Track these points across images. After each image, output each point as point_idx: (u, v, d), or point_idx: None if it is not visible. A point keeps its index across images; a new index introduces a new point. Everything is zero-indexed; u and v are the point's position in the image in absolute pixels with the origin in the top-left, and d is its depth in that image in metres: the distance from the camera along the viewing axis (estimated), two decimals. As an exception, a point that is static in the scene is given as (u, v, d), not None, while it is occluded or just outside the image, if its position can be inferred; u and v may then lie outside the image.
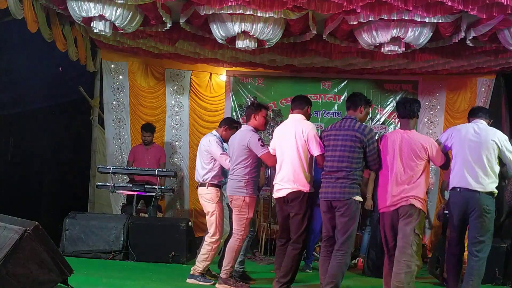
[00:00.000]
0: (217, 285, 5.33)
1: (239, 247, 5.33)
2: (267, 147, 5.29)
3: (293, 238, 5.00)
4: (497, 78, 8.89)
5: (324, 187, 4.84)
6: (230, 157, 5.50)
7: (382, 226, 4.85)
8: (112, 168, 7.51)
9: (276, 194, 5.12)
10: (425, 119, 9.04)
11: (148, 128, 8.24)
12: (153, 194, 7.38)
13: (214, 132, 5.89)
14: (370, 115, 9.09)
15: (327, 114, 9.13)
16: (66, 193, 8.25)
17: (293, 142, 4.96)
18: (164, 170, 7.71)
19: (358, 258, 7.20)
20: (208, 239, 5.59)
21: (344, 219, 4.72)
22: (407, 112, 4.84)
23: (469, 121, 5.15)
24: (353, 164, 4.73)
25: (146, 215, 7.62)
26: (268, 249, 7.89)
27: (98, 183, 7.89)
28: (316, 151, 4.90)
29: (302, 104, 5.21)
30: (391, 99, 9.14)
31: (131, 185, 7.60)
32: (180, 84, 9.17)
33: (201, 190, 5.71)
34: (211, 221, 5.60)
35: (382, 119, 9.13)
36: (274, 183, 5.16)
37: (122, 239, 6.71)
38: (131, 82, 8.96)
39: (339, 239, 4.76)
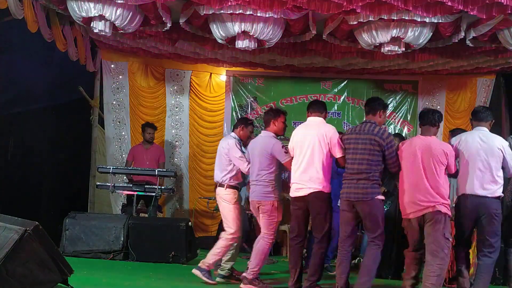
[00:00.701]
0: (242, 285, 5.35)
1: (268, 250, 5.42)
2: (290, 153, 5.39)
3: (318, 238, 5.18)
4: (497, 78, 8.91)
5: (346, 187, 5.03)
6: (248, 161, 5.57)
7: (411, 231, 4.98)
8: (112, 168, 7.51)
9: (295, 193, 5.23)
10: (425, 119, 9.03)
11: (151, 125, 8.27)
12: (153, 194, 7.38)
13: (233, 134, 5.90)
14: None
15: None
16: (66, 193, 8.25)
17: (316, 144, 5.12)
18: (164, 170, 7.71)
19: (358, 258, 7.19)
20: (225, 235, 5.62)
21: (370, 218, 4.94)
22: (429, 120, 5.06)
23: (472, 124, 5.28)
24: (373, 166, 4.93)
25: (146, 215, 7.62)
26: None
27: (98, 183, 7.89)
28: (338, 154, 5.12)
29: (320, 108, 5.41)
30: (391, 99, 9.14)
31: (131, 185, 7.61)
32: (180, 84, 9.17)
33: (219, 191, 5.75)
34: (229, 220, 5.63)
35: (382, 119, 9.11)
36: (292, 182, 5.26)
37: (122, 239, 6.71)
38: (131, 82, 8.96)
39: (371, 236, 4.97)
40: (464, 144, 5.08)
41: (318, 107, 5.41)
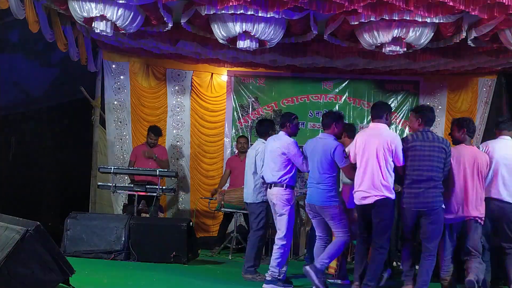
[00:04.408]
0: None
1: (343, 247, 5.39)
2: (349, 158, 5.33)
3: (378, 243, 5.11)
4: (499, 78, 8.91)
5: (413, 197, 5.05)
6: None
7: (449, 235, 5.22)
8: (114, 168, 7.51)
9: (361, 201, 5.15)
10: (427, 119, 9.03)
11: (156, 132, 8.19)
12: (155, 194, 7.38)
13: (282, 132, 5.74)
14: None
15: (328, 114, 9.11)
16: (68, 193, 8.26)
17: (380, 151, 5.06)
18: (165, 170, 7.71)
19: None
20: (280, 241, 5.55)
21: (433, 227, 5.03)
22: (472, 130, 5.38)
23: (498, 131, 5.60)
24: (440, 173, 5.05)
25: (148, 215, 7.62)
26: (269, 249, 7.88)
27: (100, 183, 7.89)
28: (400, 162, 5.10)
29: (379, 112, 5.31)
30: (392, 99, 9.13)
31: (132, 185, 7.61)
32: (181, 84, 9.18)
33: (277, 191, 5.59)
34: (284, 222, 5.55)
35: (383, 119, 9.11)
36: (356, 190, 5.17)
37: (123, 239, 6.70)
38: (132, 82, 8.97)
39: (428, 245, 5.07)
40: (492, 152, 5.36)
41: (377, 112, 5.32)
